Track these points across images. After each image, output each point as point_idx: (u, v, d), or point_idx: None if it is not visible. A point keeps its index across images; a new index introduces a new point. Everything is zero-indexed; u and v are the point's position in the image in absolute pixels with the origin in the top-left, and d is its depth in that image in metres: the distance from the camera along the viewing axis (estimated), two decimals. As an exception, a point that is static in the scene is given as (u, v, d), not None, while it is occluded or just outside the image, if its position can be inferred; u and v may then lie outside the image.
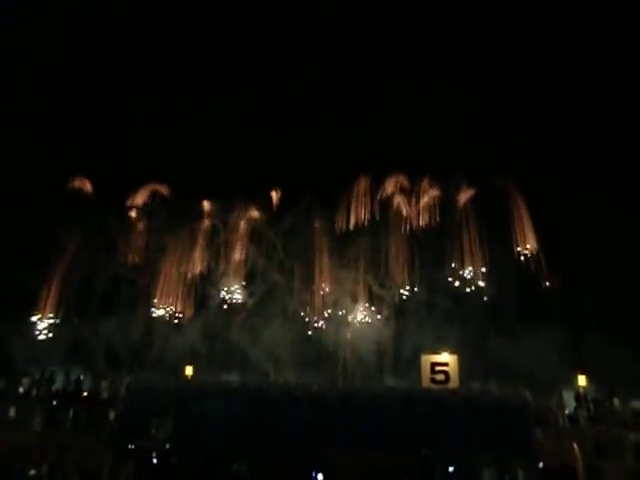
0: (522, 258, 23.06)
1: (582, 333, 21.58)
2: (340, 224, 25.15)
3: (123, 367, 23.13)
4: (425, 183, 25.25)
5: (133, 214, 26.18)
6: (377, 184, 25.49)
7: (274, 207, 26.27)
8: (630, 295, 21.69)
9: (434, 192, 25.14)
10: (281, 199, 26.31)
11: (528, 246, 23.12)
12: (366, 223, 24.98)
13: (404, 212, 24.90)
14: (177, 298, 24.99)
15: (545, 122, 25.10)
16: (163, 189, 26.32)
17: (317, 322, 24.19)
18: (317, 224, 25.32)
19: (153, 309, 24.52)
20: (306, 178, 24.83)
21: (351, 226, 25.05)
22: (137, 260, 25.29)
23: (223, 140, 26.87)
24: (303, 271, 25.10)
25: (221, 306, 24.98)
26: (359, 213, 25.21)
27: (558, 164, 23.66)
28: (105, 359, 23.77)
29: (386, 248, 24.69)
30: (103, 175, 25.52)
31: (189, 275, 25.23)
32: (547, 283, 22.61)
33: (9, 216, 24.17)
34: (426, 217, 24.78)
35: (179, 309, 24.91)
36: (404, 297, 23.97)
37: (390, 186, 25.45)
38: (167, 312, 24.69)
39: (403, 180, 25.55)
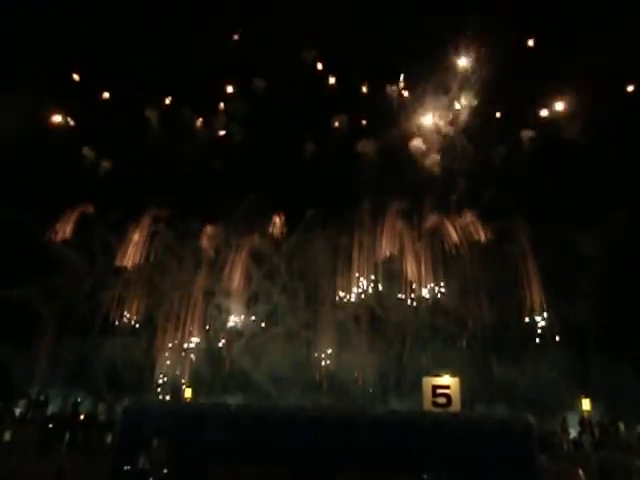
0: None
1: (586, 356, 21.43)
2: (342, 285, 25.10)
3: (125, 389, 22.85)
4: (426, 207, 25.55)
5: (136, 237, 26.33)
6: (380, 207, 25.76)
7: (277, 231, 26.47)
8: (635, 319, 21.60)
9: (435, 217, 25.43)
10: (284, 222, 26.54)
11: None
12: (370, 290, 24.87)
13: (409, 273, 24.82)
14: (180, 322, 24.94)
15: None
16: (164, 213, 26.57)
17: (321, 344, 24.09)
18: (320, 245, 25.45)
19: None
20: (309, 198, 25.06)
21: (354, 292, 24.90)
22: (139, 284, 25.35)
23: (224, 162, 27.28)
24: (306, 292, 25.10)
25: (224, 328, 24.90)
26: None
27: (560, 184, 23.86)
28: (107, 381, 23.52)
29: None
30: (105, 195, 25.81)
31: (192, 298, 25.23)
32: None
33: (10, 236, 24.24)
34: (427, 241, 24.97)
35: (182, 332, 24.80)
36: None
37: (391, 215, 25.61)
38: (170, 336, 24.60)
39: (404, 204, 25.80)
